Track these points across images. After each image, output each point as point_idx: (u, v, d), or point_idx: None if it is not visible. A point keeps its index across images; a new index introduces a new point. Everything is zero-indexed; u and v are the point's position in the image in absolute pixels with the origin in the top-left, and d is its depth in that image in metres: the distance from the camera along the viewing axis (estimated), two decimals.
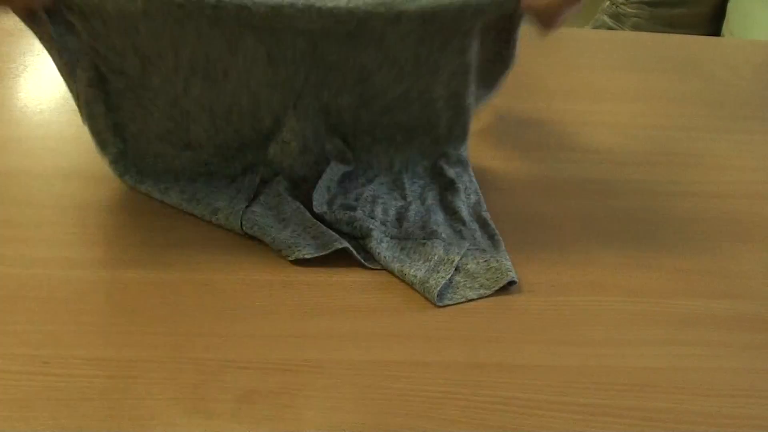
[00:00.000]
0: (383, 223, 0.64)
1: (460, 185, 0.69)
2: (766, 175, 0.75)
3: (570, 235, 0.66)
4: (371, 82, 0.65)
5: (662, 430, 0.50)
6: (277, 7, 0.58)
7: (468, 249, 0.62)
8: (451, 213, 0.67)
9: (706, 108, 0.86)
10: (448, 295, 0.58)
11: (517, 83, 0.79)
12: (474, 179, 0.71)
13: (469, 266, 0.60)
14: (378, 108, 0.67)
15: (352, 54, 0.63)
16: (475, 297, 0.58)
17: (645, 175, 0.74)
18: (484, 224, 0.65)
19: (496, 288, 0.59)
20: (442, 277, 0.58)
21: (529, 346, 0.55)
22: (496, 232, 0.64)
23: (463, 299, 0.58)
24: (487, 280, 0.59)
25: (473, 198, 0.69)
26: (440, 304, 0.57)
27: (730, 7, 2.03)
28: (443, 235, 0.63)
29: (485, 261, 0.61)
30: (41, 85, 0.83)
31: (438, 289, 0.57)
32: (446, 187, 0.69)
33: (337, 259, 0.60)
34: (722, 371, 0.54)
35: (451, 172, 0.70)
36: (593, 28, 2.23)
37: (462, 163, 0.71)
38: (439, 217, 0.66)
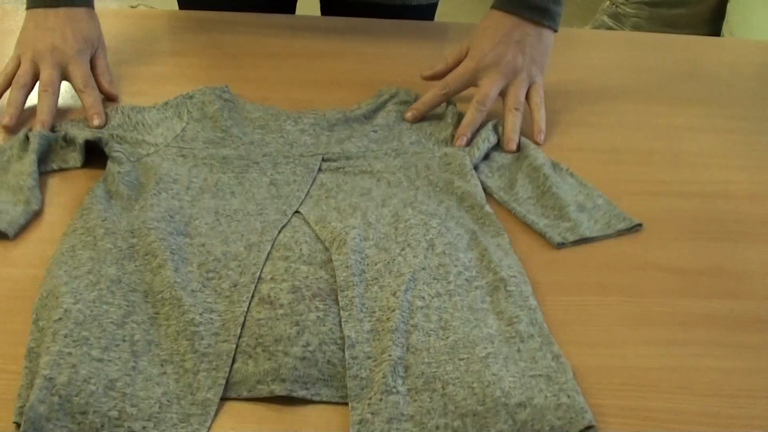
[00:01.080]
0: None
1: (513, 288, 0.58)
2: (766, 175, 0.75)
3: None
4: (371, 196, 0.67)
5: (662, 430, 0.50)
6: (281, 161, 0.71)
7: (530, 376, 0.51)
8: (507, 322, 0.55)
9: (706, 108, 0.86)
10: None
11: None
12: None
13: (535, 400, 0.49)
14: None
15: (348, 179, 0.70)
16: None
17: (645, 175, 0.74)
18: (547, 340, 0.54)
19: None
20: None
21: None
22: (560, 352, 0.53)
23: None
24: (558, 419, 0.48)
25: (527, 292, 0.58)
26: None
27: (730, 7, 2.03)
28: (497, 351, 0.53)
29: (554, 395, 0.49)
30: None
31: None
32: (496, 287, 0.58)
33: None
34: (722, 371, 0.54)
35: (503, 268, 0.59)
36: (593, 28, 2.23)
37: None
38: (492, 328, 0.55)
